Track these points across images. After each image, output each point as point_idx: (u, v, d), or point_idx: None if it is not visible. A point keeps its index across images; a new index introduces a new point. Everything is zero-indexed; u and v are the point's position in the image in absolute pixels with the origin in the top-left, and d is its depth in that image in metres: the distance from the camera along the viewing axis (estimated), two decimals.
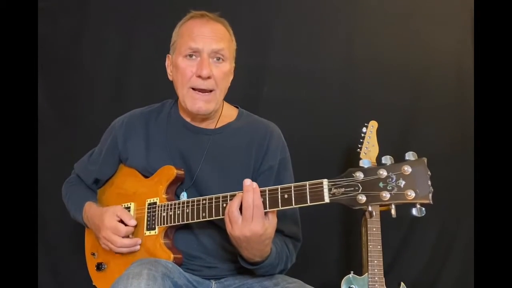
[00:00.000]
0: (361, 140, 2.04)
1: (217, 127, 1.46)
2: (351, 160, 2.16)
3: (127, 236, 1.39)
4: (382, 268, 1.91)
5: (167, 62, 1.49)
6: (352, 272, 1.94)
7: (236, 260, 1.39)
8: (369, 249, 1.92)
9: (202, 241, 1.39)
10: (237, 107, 1.54)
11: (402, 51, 2.36)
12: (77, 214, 1.52)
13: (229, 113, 1.50)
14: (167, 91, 2.17)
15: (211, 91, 1.38)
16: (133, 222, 1.39)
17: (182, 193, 1.41)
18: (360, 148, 2.03)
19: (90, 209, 1.48)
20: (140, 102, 1.66)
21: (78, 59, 2.31)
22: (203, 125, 1.46)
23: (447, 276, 2.29)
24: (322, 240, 2.23)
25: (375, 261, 1.91)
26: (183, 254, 1.37)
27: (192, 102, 1.38)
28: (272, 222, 1.19)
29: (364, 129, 2.04)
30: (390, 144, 2.20)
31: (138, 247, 1.38)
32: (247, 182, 1.18)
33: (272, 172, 1.43)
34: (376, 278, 1.89)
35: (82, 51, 2.31)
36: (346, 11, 2.36)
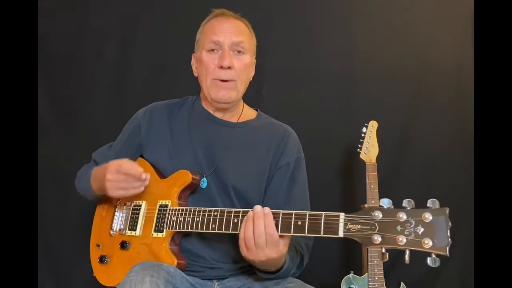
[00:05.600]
0: (361, 140, 2.03)
1: (238, 121, 1.51)
2: (351, 160, 2.16)
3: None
4: (382, 268, 1.90)
5: (192, 61, 1.54)
6: (352, 272, 1.93)
7: (238, 261, 1.40)
8: (369, 249, 1.91)
9: (211, 241, 1.39)
10: (257, 110, 1.60)
11: (402, 51, 2.36)
12: (87, 187, 1.50)
13: (249, 113, 1.56)
14: (167, 90, 2.19)
15: (233, 81, 1.44)
16: (139, 170, 1.33)
17: (202, 179, 1.43)
18: (360, 148, 2.02)
19: (97, 170, 1.46)
20: (140, 102, 1.66)
21: (78, 59, 2.31)
22: (226, 118, 1.51)
23: (447, 276, 2.28)
24: (322, 240, 2.21)
25: (375, 261, 1.90)
26: (188, 254, 1.37)
27: (215, 91, 1.44)
28: (286, 242, 1.19)
29: (364, 129, 2.04)
30: (390, 144, 2.20)
31: (143, 188, 1.35)
32: (258, 208, 1.17)
33: (289, 169, 1.46)
34: (376, 278, 1.89)
35: (82, 51, 2.31)
36: (346, 11, 2.36)
